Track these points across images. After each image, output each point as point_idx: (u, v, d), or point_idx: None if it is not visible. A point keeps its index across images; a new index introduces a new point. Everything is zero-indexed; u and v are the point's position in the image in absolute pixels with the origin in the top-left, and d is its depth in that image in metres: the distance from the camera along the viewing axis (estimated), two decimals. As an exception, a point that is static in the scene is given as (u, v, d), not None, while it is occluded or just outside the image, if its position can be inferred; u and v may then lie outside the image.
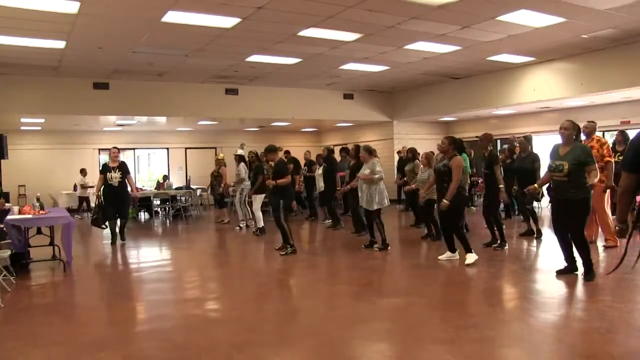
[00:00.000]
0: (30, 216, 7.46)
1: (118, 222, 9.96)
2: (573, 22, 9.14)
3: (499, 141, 12.92)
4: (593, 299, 5.50)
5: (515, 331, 4.51)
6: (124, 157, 15.86)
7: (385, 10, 8.26)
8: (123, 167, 9.78)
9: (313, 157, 13.89)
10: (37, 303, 6.04)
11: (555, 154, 5.96)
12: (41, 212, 7.67)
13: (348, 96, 16.65)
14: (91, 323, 5.13)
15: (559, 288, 5.72)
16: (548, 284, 5.89)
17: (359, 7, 8.01)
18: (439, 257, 7.35)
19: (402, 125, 17.71)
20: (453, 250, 7.28)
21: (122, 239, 9.95)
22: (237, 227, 11.59)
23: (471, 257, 7.01)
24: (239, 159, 11.82)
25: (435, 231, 9.08)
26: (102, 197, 9.63)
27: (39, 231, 7.95)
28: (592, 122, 7.95)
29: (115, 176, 9.57)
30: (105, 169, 9.73)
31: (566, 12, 8.54)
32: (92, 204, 12.74)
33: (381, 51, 11.07)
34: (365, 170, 8.32)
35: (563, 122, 5.96)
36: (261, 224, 10.67)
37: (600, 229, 8.23)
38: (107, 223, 9.77)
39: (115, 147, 10.04)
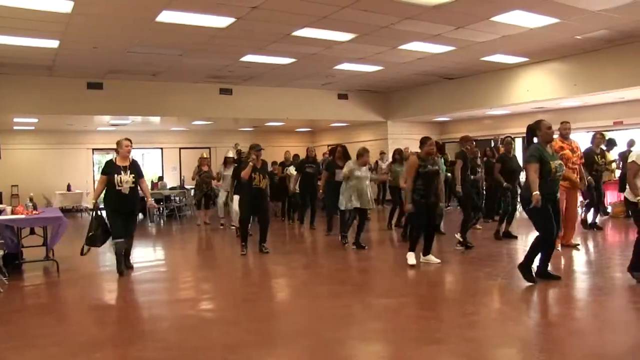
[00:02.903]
0: (23, 216, 7.41)
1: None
2: (567, 23, 9.18)
3: (492, 141, 12.95)
4: (587, 298, 5.53)
5: (509, 331, 4.51)
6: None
7: (379, 10, 8.27)
8: (136, 168, 7.16)
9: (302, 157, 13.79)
10: (30, 304, 6.00)
11: (546, 154, 5.71)
12: (34, 212, 7.62)
13: (342, 96, 16.66)
14: (86, 324, 5.11)
15: (553, 288, 5.73)
16: (542, 283, 5.89)
17: (353, 7, 8.01)
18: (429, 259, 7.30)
19: (397, 126, 17.74)
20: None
21: (129, 264, 7.39)
22: (233, 227, 11.51)
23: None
24: (232, 160, 11.69)
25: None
26: (99, 208, 7.25)
27: (32, 231, 7.91)
28: (568, 122, 7.81)
29: (126, 180, 6.92)
30: (110, 169, 7.01)
31: (560, 13, 8.58)
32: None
33: (376, 51, 11.08)
34: (370, 173, 8.46)
35: (544, 121, 5.83)
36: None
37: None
38: (108, 243, 7.32)
39: (127, 139, 7.21)
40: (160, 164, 19.71)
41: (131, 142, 7.19)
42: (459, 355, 3.92)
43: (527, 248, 6.04)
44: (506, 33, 9.81)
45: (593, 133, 9.96)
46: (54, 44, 9.57)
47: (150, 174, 20.38)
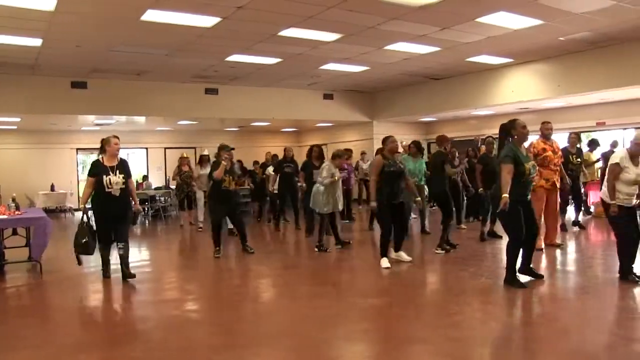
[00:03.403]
0: (5, 217, 7.32)
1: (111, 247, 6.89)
2: (550, 24, 9.27)
3: (474, 141, 13.05)
4: (570, 297, 5.58)
5: (493, 330, 4.55)
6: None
7: (365, 10, 8.28)
8: (125, 168, 6.71)
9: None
10: (13, 305, 5.94)
11: (520, 155, 5.59)
12: (17, 212, 7.54)
13: (328, 96, 16.66)
14: (70, 325, 5.06)
15: (536, 287, 5.77)
16: (526, 283, 5.94)
17: (339, 7, 8.02)
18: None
19: (382, 126, 17.74)
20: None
21: (130, 274, 6.65)
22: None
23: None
24: (207, 159, 11.56)
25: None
26: (88, 213, 6.65)
27: (14, 232, 7.80)
28: (549, 122, 7.70)
29: (116, 181, 6.47)
30: (98, 170, 6.52)
31: (544, 14, 8.67)
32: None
33: (361, 51, 11.10)
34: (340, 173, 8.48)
35: (519, 120, 5.75)
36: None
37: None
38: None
39: (115, 137, 6.81)
40: (145, 164, 19.56)
41: (119, 140, 6.81)
42: (443, 355, 3.94)
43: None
44: (491, 34, 9.88)
45: (568, 133, 9.96)
46: (36, 42, 9.45)
47: (135, 174, 20.26)
